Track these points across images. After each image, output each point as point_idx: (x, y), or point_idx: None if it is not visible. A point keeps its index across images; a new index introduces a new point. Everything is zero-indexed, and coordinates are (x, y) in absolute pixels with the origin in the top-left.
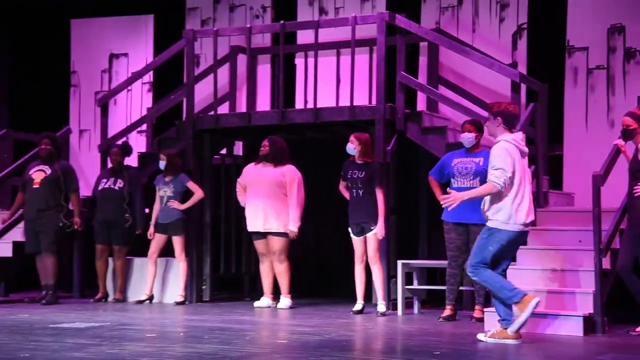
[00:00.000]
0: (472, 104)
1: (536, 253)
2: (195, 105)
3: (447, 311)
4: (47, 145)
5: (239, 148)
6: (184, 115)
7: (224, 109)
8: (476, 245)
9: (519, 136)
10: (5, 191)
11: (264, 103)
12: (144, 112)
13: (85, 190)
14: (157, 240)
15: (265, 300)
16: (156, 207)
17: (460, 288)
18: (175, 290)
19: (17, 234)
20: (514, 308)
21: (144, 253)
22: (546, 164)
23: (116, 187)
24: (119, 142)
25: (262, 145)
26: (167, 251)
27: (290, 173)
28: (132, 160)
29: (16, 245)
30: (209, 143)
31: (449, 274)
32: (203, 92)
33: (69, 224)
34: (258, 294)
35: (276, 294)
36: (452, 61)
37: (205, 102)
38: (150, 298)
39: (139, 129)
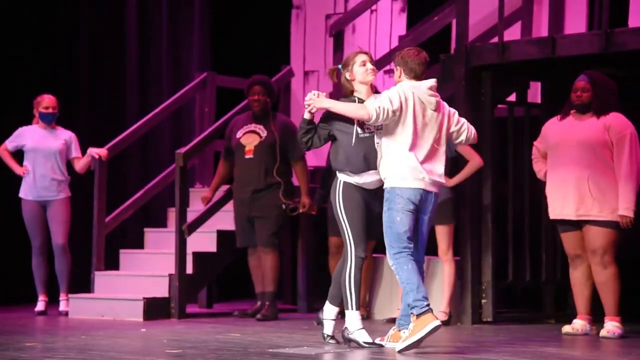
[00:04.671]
0: None
1: None
2: (470, 29)
3: None
4: (260, 95)
5: (535, 93)
6: (453, 46)
7: (513, 33)
8: (383, 224)
9: (425, 84)
10: (206, 158)
11: (576, 22)
12: (395, 43)
13: (313, 159)
14: None
15: (578, 324)
16: None
17: None
18: (439, 304)
19: (224, 220)
20: (411, 324)
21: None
22: None
23: None
24: None
25: (573, 88)
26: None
27: (617, 126)
28: None
29: (222, 236)
30: (490, 86)
31: None
32: (481, 9)
33: (292, 207)
34: (568, 313)
35: (595, 316)
36: None
37: (486, 25)
38: None
39: (387, 67)
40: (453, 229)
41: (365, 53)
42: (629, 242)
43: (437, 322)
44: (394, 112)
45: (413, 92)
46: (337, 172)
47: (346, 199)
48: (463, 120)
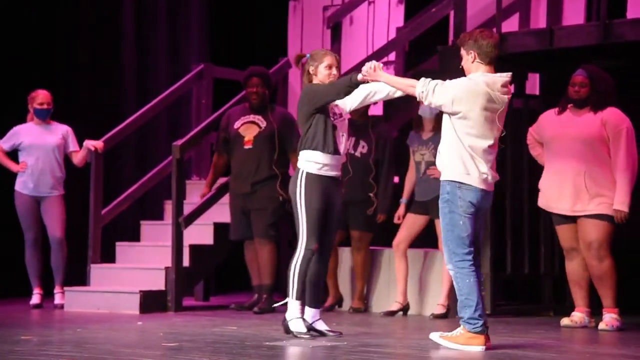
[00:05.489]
0: None
1: None
2: (467, 20)
3: None
4: (258, 87)
5: (533, 84)
6: (451, 37)
7: (511, 24)
8: (443, 227)
9: (500, 81)
10: (203, 151)
11: (574, 13)
12: (393, 35)
13: None
14: (409, 225)
15: (577, 316)
16: (410, 176)
17: None
18: (438, 296)
19: (220, 212)
20: (460, 328)
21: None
22: None
23: (357, 153)
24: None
25: (571, 83)
26: (423, 240)
27: (613, 121)
28: (376, 108)
29: (219, 228)
30: None
31: None
32: (479, 0)
33: (288, 200)
34: (566, 306)
35: (594, 308)
36: None
37: (483, 16)
38: (405, 308)
39: (385, 58)
40: None
41: (335, 57)
42: (624, 235)
43: (482, 349)
44: (437, 105)
45: (485, 88)
46: (301, 158)
47: (308, 190)
48: None
